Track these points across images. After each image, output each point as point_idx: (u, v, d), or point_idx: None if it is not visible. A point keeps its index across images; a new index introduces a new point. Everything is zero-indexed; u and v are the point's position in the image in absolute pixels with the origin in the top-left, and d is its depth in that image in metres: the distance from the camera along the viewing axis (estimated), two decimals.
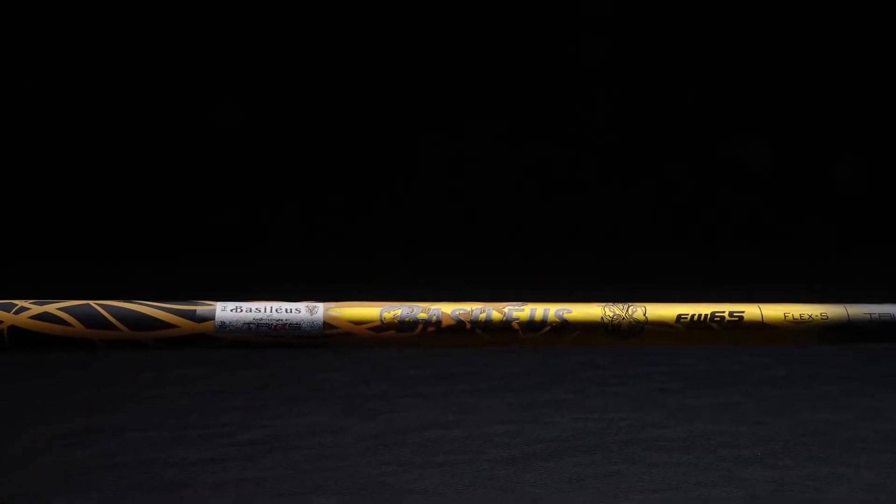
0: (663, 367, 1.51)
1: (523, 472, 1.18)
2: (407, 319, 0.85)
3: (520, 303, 0.89)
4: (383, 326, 0.85)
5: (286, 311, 0.82)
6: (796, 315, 0.96)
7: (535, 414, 1.35)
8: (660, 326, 0.92)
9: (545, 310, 0.89)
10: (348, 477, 1.17)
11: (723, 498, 1.12)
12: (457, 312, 0.87)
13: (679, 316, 0.93)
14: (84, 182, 2.33)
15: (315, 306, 0.83)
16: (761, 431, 1.31)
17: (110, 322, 0.78)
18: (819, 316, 0.97)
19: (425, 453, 1.23)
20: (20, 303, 0.78)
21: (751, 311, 0.95)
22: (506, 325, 0.87)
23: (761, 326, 0.95)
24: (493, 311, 0.88)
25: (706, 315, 0.94)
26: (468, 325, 0.87)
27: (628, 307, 0.93)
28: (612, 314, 0.91)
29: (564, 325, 0.90)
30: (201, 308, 0.81)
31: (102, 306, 0.79)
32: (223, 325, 0.80)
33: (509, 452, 1.22)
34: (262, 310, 0.81)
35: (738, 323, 0.95)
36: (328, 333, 0.83)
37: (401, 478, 1.17)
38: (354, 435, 1.29)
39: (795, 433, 1.30)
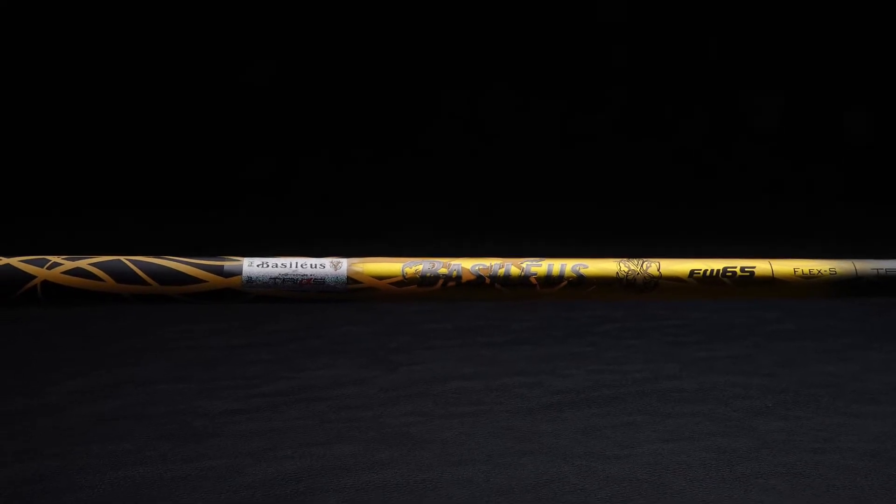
0: (676, 320, 1.51)
1: (541, 422, 1.18)
2: (428, 275, 0.85)
3: (538, 258, 0.89)
4: (405, 281, 0.85)
5: (311, 266, 0.82)
6: (805, 270, 0.95)
7: (553, 366, 1.35)
8: (673, 281, 0.92)
9: (562, 265, 0.89)
10: (371, 427, 1.17)
11: (735, 447, 1.12)
12: (476, 268, 0.87)
13: (692, 271, 0.93)
14: (114, 136, 2.33)
15: (339, 262, 0.83)
16: (772, 383, 1.30)
17: (140, 277, 0.78)
18: (828, 271, 0.96)
19: (446, 404, 1.24)
20: (53, 258, 0.78)
21: (761, 266, 0.95)
22: (524, 280, 0.87)
23: (771, 282, 0.94)
24: (512, 266, 0.87)
25: (718, 270, 0.93)
26: (487, 280, 0.87)
27: (643, 262, 0.92)
28: (626, 269, 0.91)
29: (581, 280, 0.89)
30: (229, 263, 0.81)
31: (132, 262, 0.79)
32: (250, 280, 0.81)
33: (527, 404, 1.23)
34: (288, 265, 0.81)
35: (749, 278, 0.94)
36: (352, 288, 0.83)
37: (422, 428, 1.17)
38: (377, 386, 1.30)
39: (805, 385, 1.30)
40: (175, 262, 0.80)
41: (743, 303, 1.58)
